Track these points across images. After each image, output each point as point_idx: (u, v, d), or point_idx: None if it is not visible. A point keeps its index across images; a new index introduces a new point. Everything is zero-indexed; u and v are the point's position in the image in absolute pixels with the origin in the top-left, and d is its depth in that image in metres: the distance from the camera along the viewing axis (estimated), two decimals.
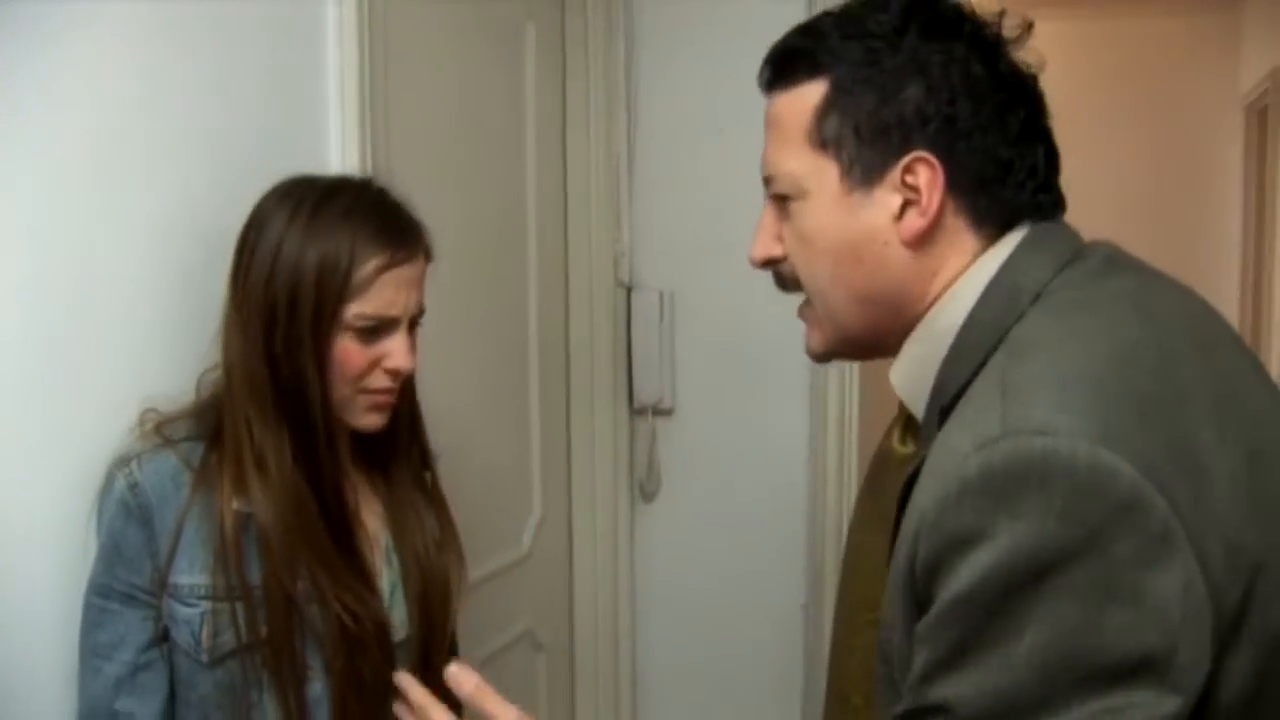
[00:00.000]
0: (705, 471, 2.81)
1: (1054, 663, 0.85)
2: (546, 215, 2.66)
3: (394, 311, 1.39)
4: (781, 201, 1.09)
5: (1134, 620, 0.84)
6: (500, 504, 2.55)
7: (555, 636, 2.79)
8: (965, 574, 0.87)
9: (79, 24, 1.39)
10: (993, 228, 1.05)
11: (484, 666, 2.43)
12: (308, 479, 1.38)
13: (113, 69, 1.45)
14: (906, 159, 1.03)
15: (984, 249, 1.05)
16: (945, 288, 1.05)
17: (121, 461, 1.36)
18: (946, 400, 1.01)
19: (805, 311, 1.13)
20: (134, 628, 1.35)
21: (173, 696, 1.39)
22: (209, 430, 1.39)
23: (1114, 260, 1.06)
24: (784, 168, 1.07)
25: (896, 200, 1.04)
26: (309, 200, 1.38)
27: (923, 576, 0.92)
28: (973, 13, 1.08)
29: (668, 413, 2.81)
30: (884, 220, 1.04)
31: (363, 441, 1.50)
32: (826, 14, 1.09)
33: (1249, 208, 5.79)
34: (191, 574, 1.35)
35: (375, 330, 1.38)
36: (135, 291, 1.48)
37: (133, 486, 1.35)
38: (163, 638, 1.37)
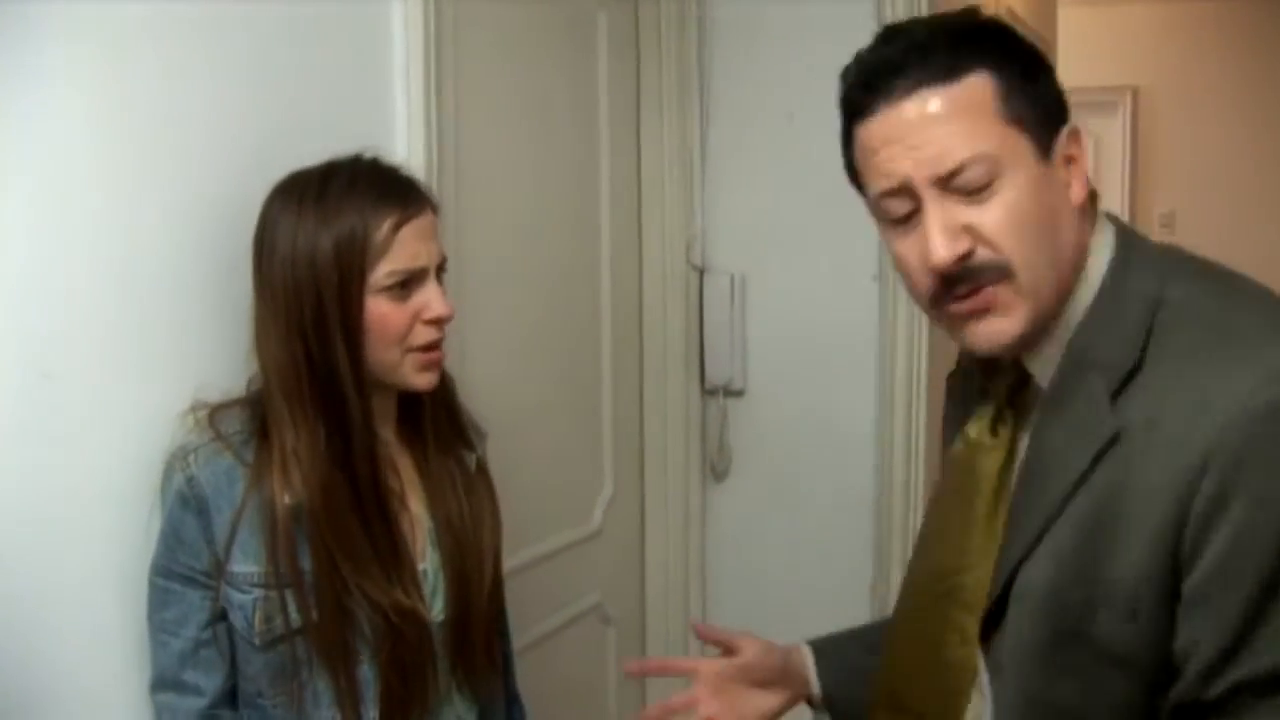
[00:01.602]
0: (775, 451, 2.85)
1: None
2: (620, 200, 2.72)
3: (420, 262, 1.44)
4: (974, 193, 1.09)
5: None
6: (572, 481, 2.62)
7: (626, 612, 2.85)
8: (1271, 494, 0.98)
9: (152, 19, 1.48)
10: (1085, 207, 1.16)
11: (551, 639, 2.51)
12: (342, 468, 1.43)
13: (181, 62, 1.52)
14: (1065, 129, 1.12)
15: (1088, 228, 1.15)
16: (1083, 256, 1.14)
17: (180, 454, 1.44)
18: (1123, 363, 1.08)
19: (1000, 296, 1.11)
20: (195, 607, 1.44)
21: (234, 669, 1.47)
22: (258, 425, 1.45)
23: (1185, 251, 1.18)
24: (981, 149, 1.08)
25: (1064, 170, 1.13)
26: (310, 188, 1.43)
27: (1205, 512, 1.00)
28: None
29: (739, 393, 2.85)
30: (1063, 187, 1.13)
31: (400, 421, 1.55)
32: (915, 23, 1.18)
33: None
34: (245, 563, 1.42)
35: (406, 284, 1.43)
36: (187, 281, 1.55)
37: (190, 480, 1.42)
38: (221, 616, 1.45)
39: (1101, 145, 5.66)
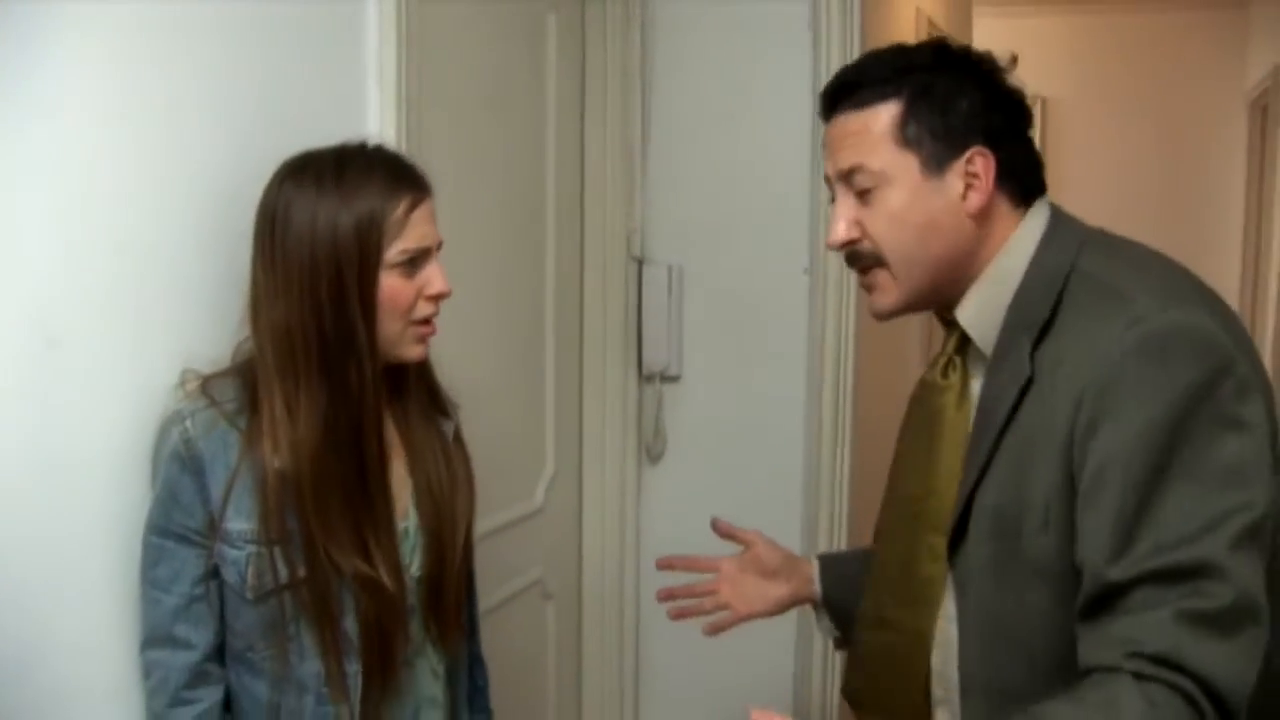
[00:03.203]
0: (708, 435, 2.96)
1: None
2: (565, 194, 2.82)
3: (427, 242, 1.56)
4: (863, 194, 1.41)
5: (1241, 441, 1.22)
6: (516, 460, 2.71)
7: (564, 586, 2.96)
8: (1136, 412, 1.21)
9: (147, 19, 1.56)
10: (1022, 203, 1.43)
11: (495, 612, 2.60)
12: (347, 432, 1.52)
13: (172, 58, 1.60)
14: (969, 152, 1.38)
15: (1020, 219, 1.42)
16: (997, 248, 1.41)
17: (176, 418, 1.51)
18: (1039, 319, 1.33)
19: (878, 278, 1.44)
20: (188, 564, 1.51)
21: (222, 625, 1.55)
22: (250, 394, 1.53)
23: (1111, 234, 1.44)
24: (873, 164, 1.40)
25: (960, 184, 1.39)
26: (328, 170, 1.52)
27: (1084, 433, 1.25)
28: (975, 50, 1.46)
29: (674, 379, 2.96)
30: (954, 199, 1.39)
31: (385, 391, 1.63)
32: (868, 56, 1.47)
33: (1250, 200, 5.93)
34: (239, 520, 1.51)
35: (414, 262, 1.54)
36: (178, 258, 1.62)
37: (186, 441, 1.50)
38: (213, 574, 1.53)
39: None
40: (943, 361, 1.48)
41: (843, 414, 2.83)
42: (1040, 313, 1.34)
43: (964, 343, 1.46)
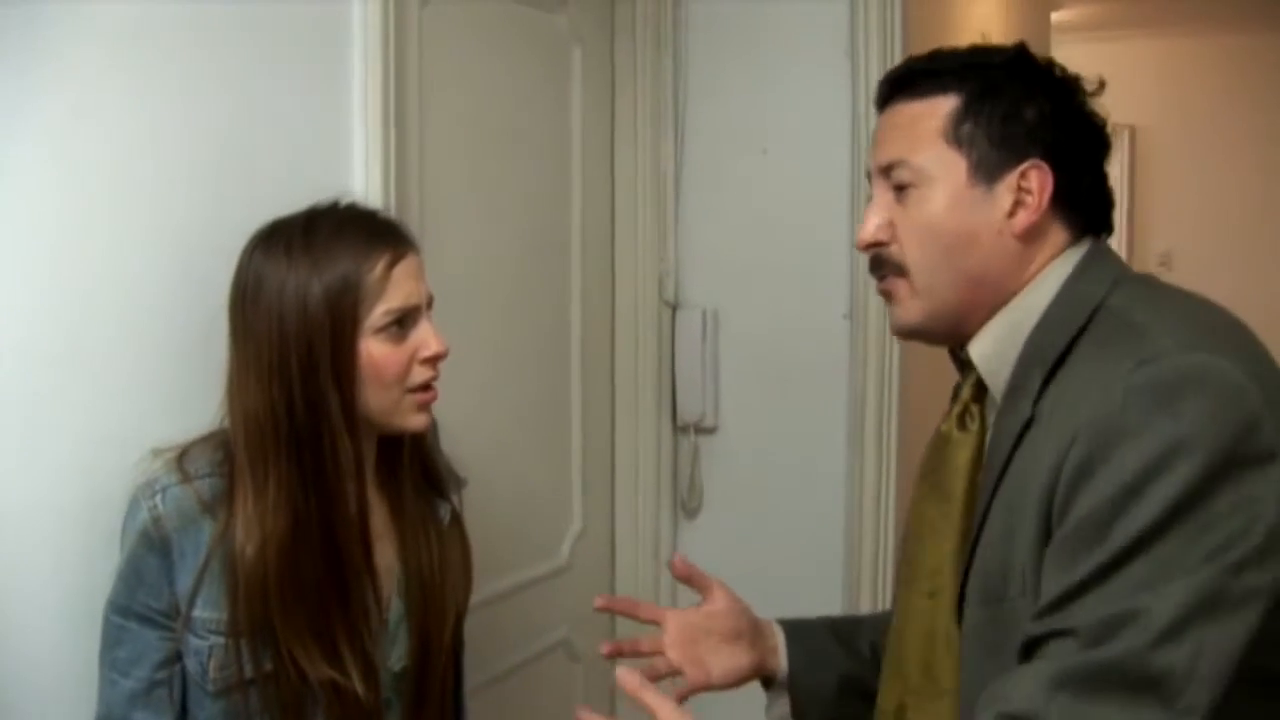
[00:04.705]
0: (747, 488, 2.83)
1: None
2: (592, 234, 2.72)
3: (415, 300, 1.45)
4: (900, 190, 1.27)
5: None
6: (540, 516, 2.61)
7: (594, 648, 2.82)
8: (1130, 462, 1.04)
9: (90, 31, 1.48)
10: (1076, 233, 1.27)
11: (517, 672, 2.49)
12: (320, 525, 1.42)
13: (128, 81, 1.53)
14: (1025, 165, 1.23)
15: (1066, 247, 1.26)
16: (1032, 277, 1.25)
17: (147, 491, 1.43)
18: (1050, 358, 1.18)
19: (897, 287, 1.30)
20: (151, 647, 1.42)
21: (184, 714, 1.45)
22: (227, 470, 1.44)
23: (1156, 278, 1.28)
24: (916, 160, 1.26)
25: (1010, 199, 1.24)
26: (296, 236, 1.43)
27: (1071, 479, 1.08)
28: (1056, 63, 1.30)
29: (710, 430, 2.84)
30: (999, 214, 1.24)
31: (377, 468, 1.54)
32: (941, 49, 1.31)
33: None
34: (205, 609, 1.42)
35: (402, 323, 1.43)
36: (146, 303, 1.56)
37: (155, 520, 1.41)
38: (177, 658, 1.44)
39: None
40: (958, 410, 1.32)
41: (887, 466, 2.67)
42: (1055, 347, 1.19)
43: (983, 388, 1.29)
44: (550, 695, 2.66)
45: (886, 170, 1.28)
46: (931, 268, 1.26)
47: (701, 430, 2.84)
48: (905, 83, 1.30)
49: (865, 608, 2.62)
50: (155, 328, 1.57)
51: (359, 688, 1.44)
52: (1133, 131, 5.96)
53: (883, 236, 1.28)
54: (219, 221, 1.54)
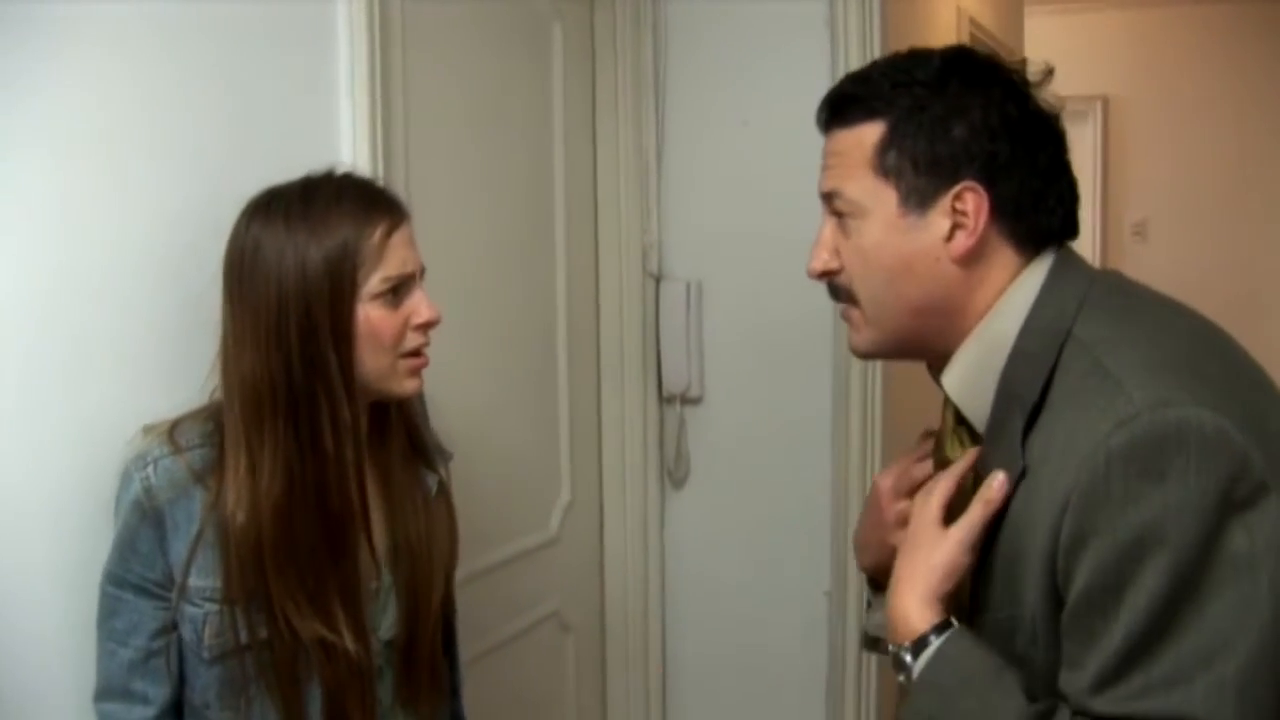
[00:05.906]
0: (732, 458, 2.85)
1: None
2: (576, 208, 2.73)
3: (409, 268, 1.46)
4: (841, 219, 1.26)
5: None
6: (528, 488, 2.63)
7: (585, 619, 2.85)
8: (1123, 532, 1.04)
9: (83, 26, 1.48)
10: (1030, 248, 1.23)
11: (509, 645, 2.51)
12: (315, 488, 1.43)
13: (117, 71, 1.53)
14: (957, 188, 1.20)
15: (1023, 267, 1.23)
16: (992, 301, 1.22)
17: (138, 463, 1.44)
18: (1030, 399, 1.15)
19: (851, 314, 1.30)
20: (146, 616, 1.44)
21: (181, 681, 1.47)
22: (219, 438, 1.45)
23: (1124, 281, 1.26)
24: (848, 192, 1.24)
25: (946, 223, 1.21)
26: (294, 203, 1.43)
27: (1068, 548, 1.07)
28: (1002, 61, 1.26)
29: (696, 401, 2.86)
30: (936, 240, 1.21)
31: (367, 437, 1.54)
32: (876, 64, 1.29)
33: None
34: (200, 577, 1.43)
35: (397, 290, 1.45)
36: (140, 288, 1.56)
37: (148, 490, 1.42)
38: (172, 627, 1.45)
39: (1073, 155, 5.60)
40: (950, 439, 1.31)
41: (871, 434, 2.69)
42: (1031, 391, 1.16)
43: (959, 414, 1.28)
44: (542, 667, 2.68)
45: (828, 198, 1.27)
46: (876, 297, 1.25)
47: (687, 401, 2.86)
48: (838, 108, 1.27)
49: (851, 575, 2.64)
50: (148, 305, 1.58)
51: (350, 645, 1.45)
52: (1105, 101, 5.97)
53: (831, 266, 1.28)
54: (210, 201, 1.54)
